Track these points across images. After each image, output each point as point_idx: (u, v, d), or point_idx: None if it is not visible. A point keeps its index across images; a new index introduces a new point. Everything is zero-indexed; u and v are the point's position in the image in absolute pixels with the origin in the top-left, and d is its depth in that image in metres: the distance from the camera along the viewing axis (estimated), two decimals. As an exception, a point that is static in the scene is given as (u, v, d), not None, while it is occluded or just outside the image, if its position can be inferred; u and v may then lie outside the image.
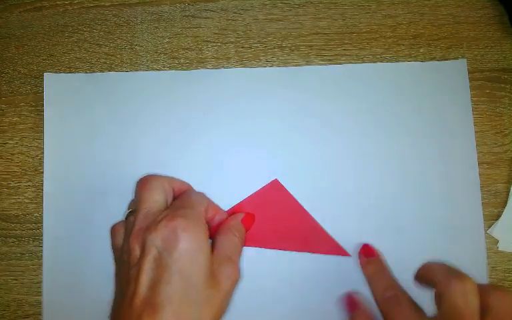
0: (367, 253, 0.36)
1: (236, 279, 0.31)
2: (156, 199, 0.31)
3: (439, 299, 0.27)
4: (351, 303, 0.35)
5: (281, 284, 0.37)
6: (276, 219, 0.37)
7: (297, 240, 0.37)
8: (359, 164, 0.38)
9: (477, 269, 0.37)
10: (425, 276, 0.30)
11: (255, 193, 0.37)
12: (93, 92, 0.40)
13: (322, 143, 0.39)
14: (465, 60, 0.39)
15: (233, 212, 0.37)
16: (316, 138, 0.39)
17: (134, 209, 0.32)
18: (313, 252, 0.36)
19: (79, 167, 0.39)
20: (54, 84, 0.40)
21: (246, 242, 0.36)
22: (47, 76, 0.40)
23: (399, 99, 0.39)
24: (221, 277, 0.30)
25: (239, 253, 0.33)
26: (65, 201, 0.38)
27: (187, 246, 0.28)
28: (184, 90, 0.40)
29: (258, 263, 0.37)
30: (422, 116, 0.39)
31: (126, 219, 0.33)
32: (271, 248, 0.37)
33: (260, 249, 0.37)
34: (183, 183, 0.35)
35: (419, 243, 0.37)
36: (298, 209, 0.37)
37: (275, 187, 0.37)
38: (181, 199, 0.32)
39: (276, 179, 0.37)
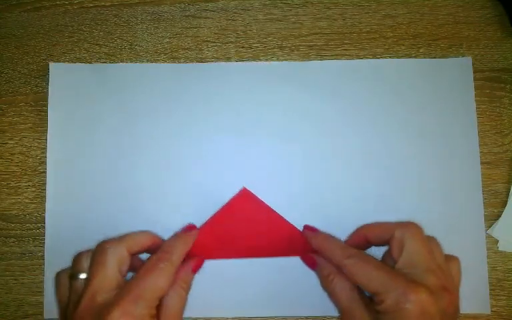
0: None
1: None
2: (107, 274, 0.30)
3: (399, 247, 0.30)
4: (311, 261, 0.35)
5: (262, 290, 0.37)
6: (250, 227, 0.36)
7: (274, 245, 0.36)
8: (360, 162, 0.39)
9: (478, 269, 0.37)
10: (376, 235, 0.33)
11: (225, 204, 0.36)
12: (98, 83, 0.40)
13: (323, 140, 0.39)
14: (470, 58, 0.40)
15: (204, 229, 0.35)
16: (317, 134, 0.39)
17: (80, 273, 0.31)
18: (291, 255, 0.36)
19: (82, 161, 0.39)
20: (59, 74, 0.40)
21: (222, 255, 0.36)
22: (52, 66, 0.40)
23: (402, 96, 0.39)
24: None
25: (184, 305, 0.32)
26: (67, 197, 0.38)
27: None
28: (189, 83, 0.40)
29: (236, 272, 0.37)
30: (424, 114, 0.39)
31: (71, 277, 0.31)
32: (248, 257, 0.36)
33: (237, 259, 0.37)
34: (152, 238, 0.34)
35: None
36: (270, 215, 0.36)
37: (244, 196, 0.36)
38: (133, 283, 0.30)
39: (244, 188, 0.36)
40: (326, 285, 0.33)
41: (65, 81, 0.40)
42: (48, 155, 0.39)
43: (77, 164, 0.39)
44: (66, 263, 0.38)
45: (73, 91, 0.40)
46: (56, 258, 0.38)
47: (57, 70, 0.40)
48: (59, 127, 0.39)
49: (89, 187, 0.39)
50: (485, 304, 0.37)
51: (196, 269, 0.34)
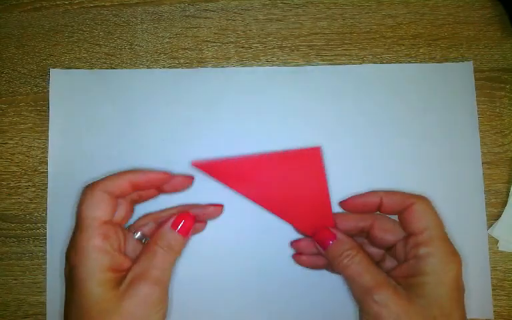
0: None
1: (147, 297, 0.29)
2: (88, 215, 0.30)
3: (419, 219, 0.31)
4: (329, 235, 0.33)
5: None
6: (295, 185, 0.33)
7: (302, 217, 0.34)
8: (361, 165, 0.39)
9: (480, 273, 0.37)
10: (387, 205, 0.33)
11: (291, 151, 0.34)
12: (98, 88, 0.40)
13: (324, 143, 0.39)
14: (471, 62, 0.39)
15: (253, 159, 0.33)
16: (317, 138, 0.39)
17: None
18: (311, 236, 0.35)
19: (83, 163, 0.39)
20: (59, 80, 0.40)
21: (247, 192, 0.34)
22: (53, 72, 0.40)
23: (403, 100, 0.39)
24: (125, 297, 0.29)
25: (160, 266, 0.31)
26: (69, 197, 0.38)
27: (77, 278, 0.29)
28: (189, 88, 0.40)
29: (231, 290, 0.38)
30: (426, 117, 0.39)
31: None
32: (274, 213, 0.35)
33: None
34: (142, 174, 0.33)
35: None
36: (321, 188, 0.33)
37: (312, 154, 0.33)
38: (76, 217, 0.31)
39: (319, 147, 0.33)
40: (344, 262, 0.31)
41: (66, 86, 0.40)
42: (49, 156, 0.39)
43: (77, 166, 0.39)
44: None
45: (74, 94, 0.40)
46: (58, 258, 0.38)
47: (57, 75, 0.40)
48: (60, 129, 0.39)
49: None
50: (488, 309, 0.37)
51: (177, 227, 0.33)
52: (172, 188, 0.35)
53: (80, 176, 0.39)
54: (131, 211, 0.35)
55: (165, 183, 0.34)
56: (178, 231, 0.33)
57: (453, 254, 0.30)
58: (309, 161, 0.33)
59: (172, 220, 0.33)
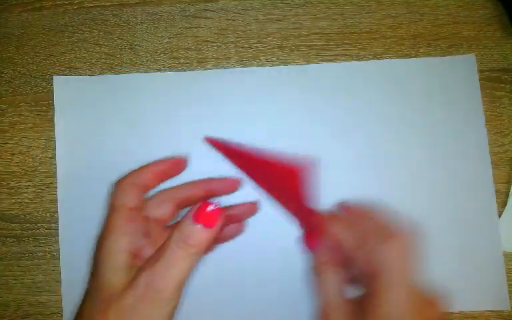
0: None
1: (146, 292, 0.28)
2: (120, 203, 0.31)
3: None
4: (316, 242, 0.32)
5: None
6: (282, 190, 0.32)
7: (297, 219, 0.33)
8: (364, 164, 0.39)
9: (494, 267, 0.37)
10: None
11: (282, 159, 0.29)
12: (102, 94, 0.40)
13: (328, 142, 0.39)
14: (473, 55, 0.40)
15: (249, 159, 0.32)
16: (322, 137, 0.39)
17: None
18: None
19: (91, 165, 0.39)
20: (63, 87, 0.40)
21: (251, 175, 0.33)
22: (56, 79, 0.40)
23: (407, 96, 0.39)
24: (128, 289, 0.28)
25: (181, 267, 0.28)
26: (78, 201, 0.39)
27: (96, 260, 0.30)
28: (190, 88, 0.40)
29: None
30: (430, 113, 0.39)
31: None
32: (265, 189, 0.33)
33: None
34: (163, 162, 0.33)
35: (431, 242, 0.37)
36: (304, 201, 0.31)
37: (304, 167, 0.29)
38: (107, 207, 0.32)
39: (310, 161, 0.29)
40: (316, 277, 0.31)
41: (70, 92, 0.40)
42: (57, 161, 0.39)
43: (85, 169, 0.39)
44: (80, 264, 0.38)
45: (79, 100, 0.40)
46: (72, 260, 0.38)
47: (61, 83, 0.40)
48: (66, 135, 0.39)
49: (98, 192, 0.38)
50: (504, 301, 0.37)
51: (199, 217, 0.28)
52: (221, 190, 0.35)
53: (88, 179, 0.39)
54: (174, 212, 0.34)
55: (184, 165, 0.34)
56: (202, 222, 0.28)
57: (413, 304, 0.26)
58: (289, 178, 0.29)
59: (194, 211, 0.28)
